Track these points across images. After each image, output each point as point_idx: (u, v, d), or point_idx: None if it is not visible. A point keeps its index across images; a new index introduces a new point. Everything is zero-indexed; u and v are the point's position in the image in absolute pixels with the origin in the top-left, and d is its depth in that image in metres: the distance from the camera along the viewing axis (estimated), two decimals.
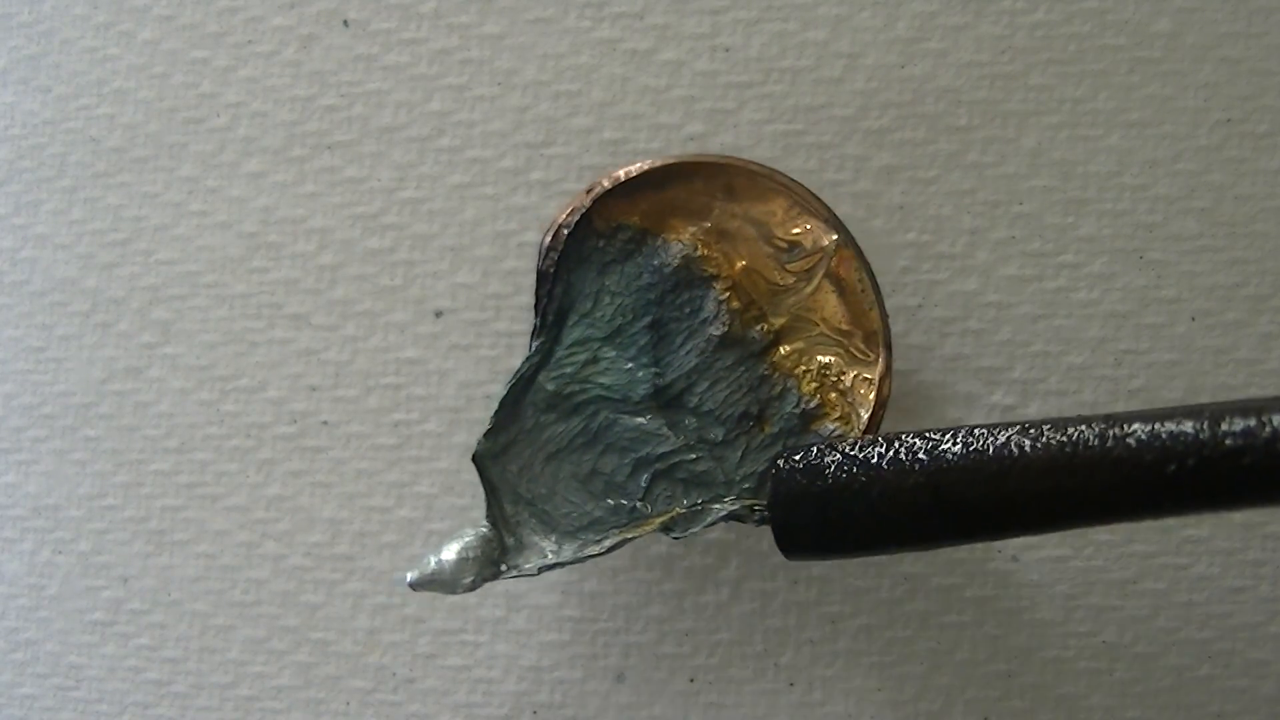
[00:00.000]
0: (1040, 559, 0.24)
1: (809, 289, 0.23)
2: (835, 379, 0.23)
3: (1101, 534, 0.24)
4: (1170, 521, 0.23)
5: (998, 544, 0.24)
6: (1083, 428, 0.19)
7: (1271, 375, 0.24)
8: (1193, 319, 0.24)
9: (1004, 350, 0.24)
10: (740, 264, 0.23)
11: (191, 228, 0.26)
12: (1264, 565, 0.23)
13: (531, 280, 0.23)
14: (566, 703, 0.25)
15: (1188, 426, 0.18)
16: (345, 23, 0.25)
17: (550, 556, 0.22)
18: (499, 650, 0.25)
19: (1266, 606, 0.23)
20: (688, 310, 0.23)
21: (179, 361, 0.26)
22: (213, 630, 0.25)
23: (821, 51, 0.24)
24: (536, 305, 0.23)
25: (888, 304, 0.24)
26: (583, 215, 0.22)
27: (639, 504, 0.22)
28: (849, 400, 0.22)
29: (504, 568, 0.22)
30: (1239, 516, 0.23)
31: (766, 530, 0.24)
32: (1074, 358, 0.24)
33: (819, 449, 0.21)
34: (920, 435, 0.20)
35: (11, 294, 0.26)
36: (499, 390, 0.23)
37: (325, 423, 0.25)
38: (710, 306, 0.23)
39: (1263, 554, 0.23)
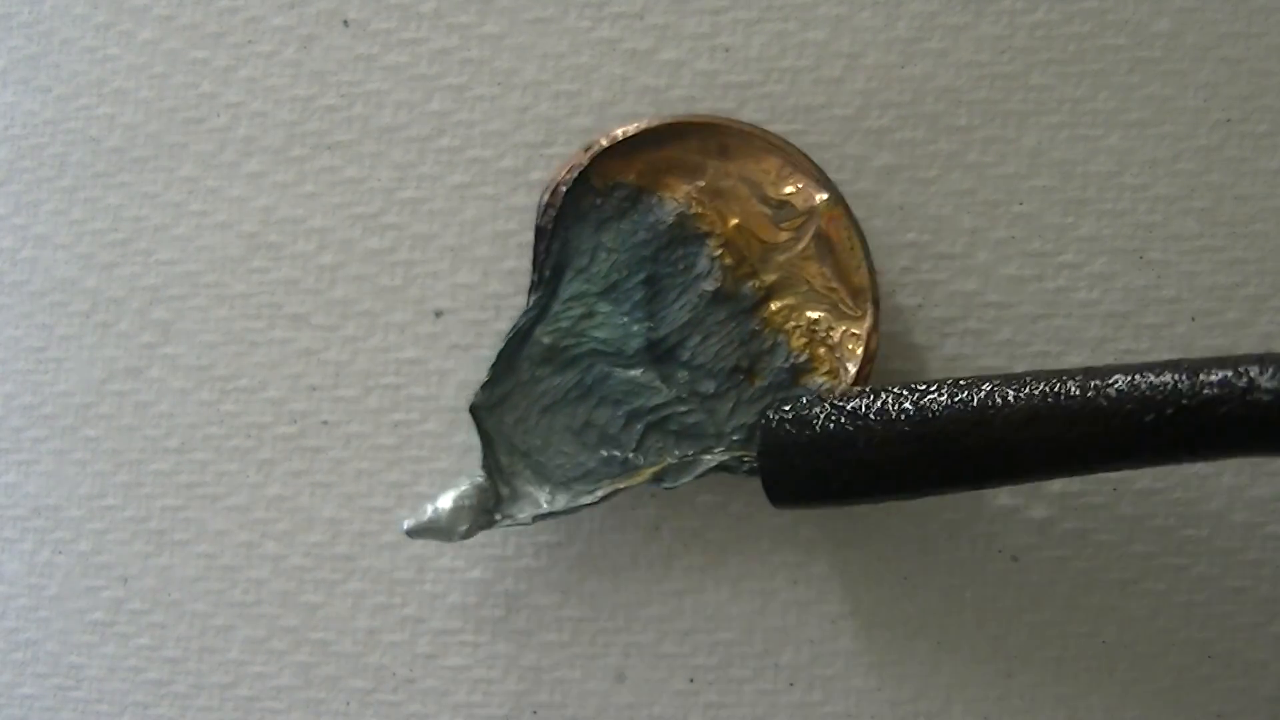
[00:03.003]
0: (1040, 559, 0.24)
1: (800, 246, 0.23)
2: (824, 334, 0.23)
3: (1101, 534, 0.24)
4: (1170, 521, 0.23)
5: (997, 544, 0.24)
6: (1065, 379, 0.19)
7: None
8: (1193, 319, 0.24)
9: (1004, 350, 0.24)
10: (733, 222, 0.23)
11: (191, 228, 0.26)
12: (1264, 565, 0.23)
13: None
14: (566, 703, 0.25)
15: (1167, 378, 0.18)
16: (345, 23, 0.25)
17: (544, 506, 0.23)
18: (499, 650, 0.25)
19: (1266, 606, 0.23)
20: (681, 266, 0.23)
21: (179, 361, 0.26)
22: (213, 630, 0.25)
23: (821, 51, 0.24)
24: (534, 260, 0.23)
25: (889, 303, 0.24)
26: (580, 173, 0.23)
27: (631, 455, 0.23)
28: (837, 355, 0.23)
29: (499, 517, 0.23)
30: (1239, 516, 0.23)
31: (766, 528, 0.24)
32: (1074, 358, 0.24)
33: (807, 400, 0.22)
34: (906, 387, 0.21)
35: (11, 294, 0.26)
36: (496, 344, 0.23)
37: (325, 423, 0.25)
38: (703, 263, 0.23)
39: (1263, 554, 0.23)
